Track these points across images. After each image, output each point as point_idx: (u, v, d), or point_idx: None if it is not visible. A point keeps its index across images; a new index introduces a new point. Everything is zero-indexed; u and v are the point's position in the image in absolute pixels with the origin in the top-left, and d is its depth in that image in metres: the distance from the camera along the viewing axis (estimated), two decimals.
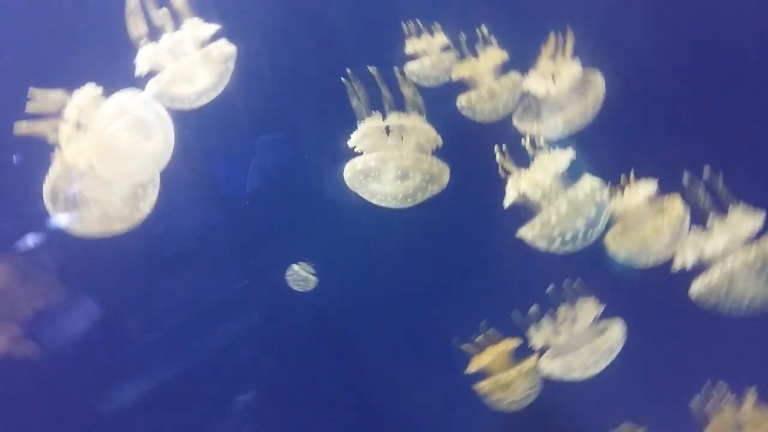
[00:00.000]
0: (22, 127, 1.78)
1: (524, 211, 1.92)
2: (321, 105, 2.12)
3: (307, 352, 2.25)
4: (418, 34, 2.03)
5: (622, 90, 2.01)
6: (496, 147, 1.91)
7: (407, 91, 1.97)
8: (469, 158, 2.01)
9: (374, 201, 1.99)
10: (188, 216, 2.18)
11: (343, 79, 1.94)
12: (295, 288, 2.18)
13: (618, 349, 2.03)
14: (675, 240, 1.98)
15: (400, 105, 1.96)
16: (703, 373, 2.17)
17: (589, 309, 2.04)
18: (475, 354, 2.12)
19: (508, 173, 1.91)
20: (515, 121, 2.07)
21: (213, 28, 1.87)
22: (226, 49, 1.88)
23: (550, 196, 1.88)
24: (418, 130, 1.94)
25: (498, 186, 1.91)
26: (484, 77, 2.03)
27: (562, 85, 1.99)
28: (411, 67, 2.03)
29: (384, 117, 1.92)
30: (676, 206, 1.99)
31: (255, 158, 2.14)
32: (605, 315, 2.05)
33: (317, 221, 2.19)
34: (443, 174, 1.98)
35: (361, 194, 1.98)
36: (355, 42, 2.07)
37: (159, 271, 2.19)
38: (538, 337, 2.05)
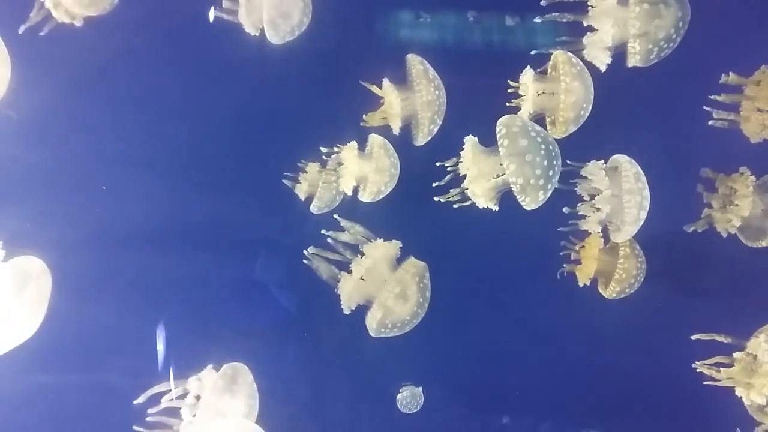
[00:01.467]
0: None
1: None
2: None
3: None
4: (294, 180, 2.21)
5: None
6: None
7: (348, 237, 2.11)
8: None
9: (407, 328, 2.11)
10: None
11: (305, 261, 2.10)
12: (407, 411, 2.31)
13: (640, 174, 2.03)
14: None
15: (354, 248, 2.11)
16: None
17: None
18: (576, 269, 2.17)
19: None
20: None
21: None
22: None
23: None
24: (382, 254, 2.07)
25: None
26: None
27: None
28: (315, 207, 2.21)
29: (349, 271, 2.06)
30: None
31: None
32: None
33: None
34: (418, 264, 2.10)
35: (392, 334, 2.11)
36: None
37: None
38: (589, 223, 2.07)
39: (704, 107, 2.18)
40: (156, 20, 2.25)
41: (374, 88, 2.20)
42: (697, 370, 2.05)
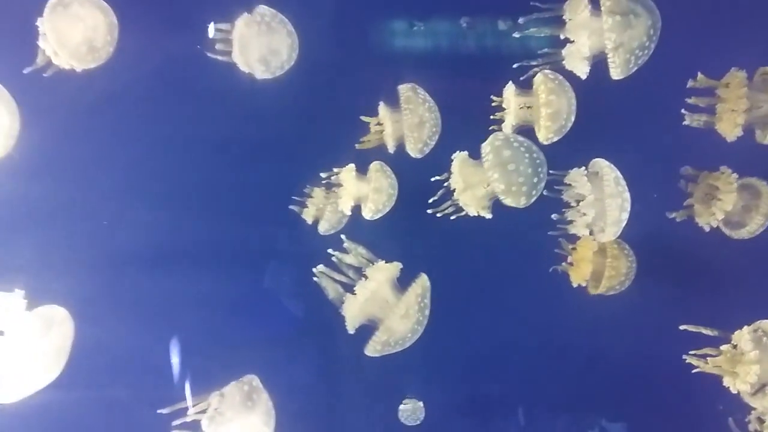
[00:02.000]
0: None
1: None
2: None
3: None
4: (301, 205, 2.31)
5: None
6: None
7: (352, 259, 2.21)
8: None
9: (407, 344, 2.19)
10: None
11: (315, 279, 2.19)
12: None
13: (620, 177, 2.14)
14: None
15: (357, 269, 2.20)
16: None
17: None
18: (570, 270, 2.27)
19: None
20: None
21: None
22: None
23: None
24: (385, 276, 2.16)
25: None
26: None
27: None
28: (322, 228, 2.31)
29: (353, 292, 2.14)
30: None
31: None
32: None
33: None
34: (425, 280, 2.19)
35: (394, 351, 2.20)
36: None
37: None
38: (577, 227, 2.18)
39: (682, 110, 2.26)
40: (154, 64, 2.33)
41: (372, 120, 2.31)
42: (687, 361, 2.13)
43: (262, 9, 2.28)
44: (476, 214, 2.15)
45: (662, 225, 2.32)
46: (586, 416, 2.43)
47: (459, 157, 2.16)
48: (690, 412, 2.38)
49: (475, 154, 2.18)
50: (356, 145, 2.33)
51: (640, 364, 2.41)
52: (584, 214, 2.19)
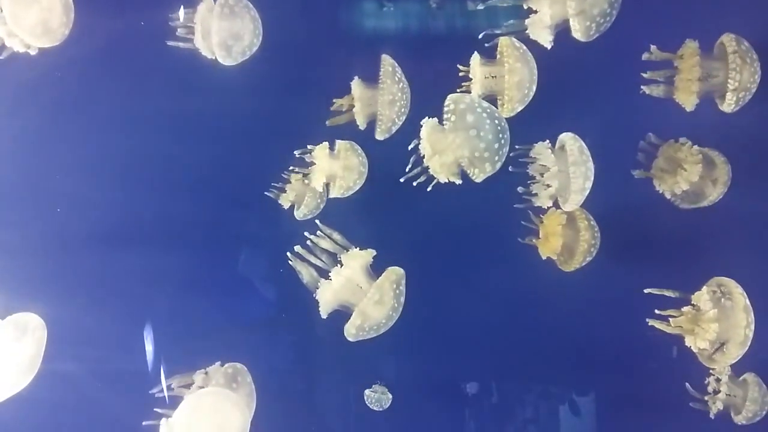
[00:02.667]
0: None
1: None
2: None
3: None
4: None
5: None
6: None
7: (326, 243, 2.21)
8: None
9: (382, 330, 2.20)
10: None
11: (290, 263, 2.18)
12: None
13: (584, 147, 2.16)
14: None
15: (333, 257, 2.20)
16: None
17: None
18: (539, 243, 2.31)
19: None
20: None
21: None
22: None
23: None
24: (359, 263, 2.17)
25: None
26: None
27: None
28: (300, 213, 2.34)
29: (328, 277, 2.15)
30: None
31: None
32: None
33: None
34: (398, 271, 2.19)
35: (369, 336, 2.20)
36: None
37: None
38: (541, 199, 2.22)
39: (641, 86, 2.28)
40: (112, 45, 2.34)
41: (344, 101, 2.31)
42: (650, 323, 2.18)
43: None
44: (446, 181, 2.13)
45: (623, 195, 2.39)
46: (557, 390, 2.51)
47: (428, 123, 2.12)
48: (656, 380, 2.45)
49: None
50: (327, 122, 2.35)
51: (606, 336, 2.48)
52: (548, 186, 2.22)
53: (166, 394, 2.19)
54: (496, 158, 2.11)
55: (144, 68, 2.37)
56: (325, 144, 2.32)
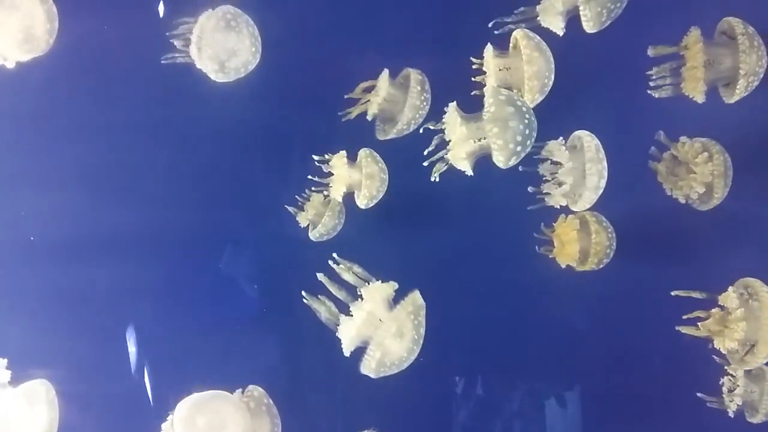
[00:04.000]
0: None
1: None
2: None
3: None
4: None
5: None
6: None
7: (348, 276, 2.10)
8: None
9: (405, 366, 2.09)
10: None
11: (305, 301, 2.10)
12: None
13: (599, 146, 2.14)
14: None
15: (351, 291, 2.08)
16: None
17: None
18: (554, 252, 2.25)
19: None
20: None
21: None
22: None
23: None
24: (380, 296, 2.05)
25: None
26: None
27: None
28: (317, 234, 2.29)
29: (348, 312, 2.04)
30: None
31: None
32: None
33: None
34: (417, 298, 2.09)
35: (391, 372, 2.08)
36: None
37: None
38: (554, 198, 2.15)
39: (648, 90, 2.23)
40: (98, 55, 2.31)
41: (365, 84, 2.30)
42: (681, 330, 2.12)
43: (226, 7, 2.22)
44: (462, 169, 2.07)
45: (636, 196, 2.33)
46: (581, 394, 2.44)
47: (452, 108, 2.07)
48: (680, 383, 2.40)
49: None
50: (344, 114, 2.31)
51: (629, 337, 2.43)
52: (561, 184, 2.15)
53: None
54: (521, 151, 2.05)
55: (135, 79, 2.34)
56: (343, 153, 2.26)
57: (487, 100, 2.02)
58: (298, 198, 2.28)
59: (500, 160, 2.01)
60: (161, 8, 2.29)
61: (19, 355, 2.20)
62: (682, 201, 2.28)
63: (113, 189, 2.37)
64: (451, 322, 2.26)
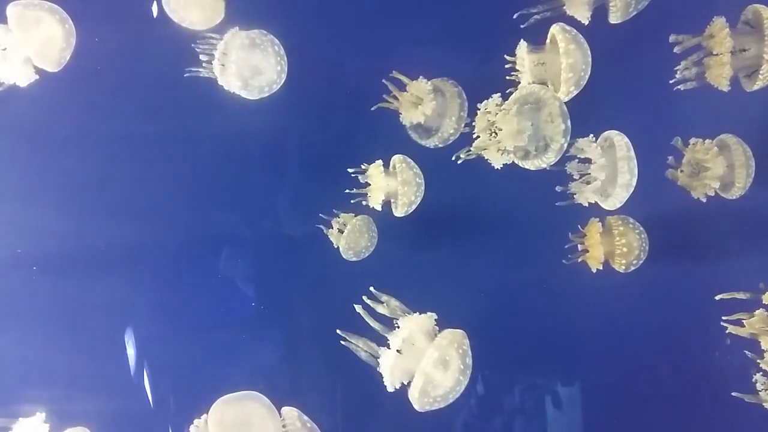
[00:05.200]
0: None
1: None
2: None
3: None
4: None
5: None
6: None
7: (383, 309, 2.02)
8: None
9: (450, 399, 1.99)
10: None
11: (343, 342, 2.03)
12: None
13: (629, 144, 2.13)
14: None
15: (388, 323, 2.01)
16: None
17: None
18: (584, 256, 2.23)
19: None
20: None
21: None
22: None
23: None
24: (417, 325, 1.97)
25: None
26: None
27: None
28: (350, 254, 2.28)
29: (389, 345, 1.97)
30: None
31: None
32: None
33: None
34: (459, 334, 2.02)
35: (438, 406, 1.98)
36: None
37: None
38: (585, 194, 2.12)
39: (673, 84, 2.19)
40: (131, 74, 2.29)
41: (403, 78, 2.26)
42: (727, 330, 2.08)
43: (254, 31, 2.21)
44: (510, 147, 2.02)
45: (664, 196, 2.26)
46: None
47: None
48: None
49: None
50: (373, 108, 2.27)
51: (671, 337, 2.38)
52: (591, 181, 2.12)
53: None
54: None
55: (134, 89, 2.31)
56: (379, 162, 2.26)
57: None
58: (324, 216, 2.28)
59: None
60: (154, 8, 2.24)
61: (18, 363, 2.26)
62: (704, 200, 2.24)
63: (113, 192, 2.36)
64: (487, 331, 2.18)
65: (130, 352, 2.27)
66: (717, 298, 2.09)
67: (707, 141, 2.23)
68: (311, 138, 2.41)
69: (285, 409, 2.12)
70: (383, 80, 2.22)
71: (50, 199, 2.34)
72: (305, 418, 2.14)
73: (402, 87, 2.24)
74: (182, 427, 2.16)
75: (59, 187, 2.34)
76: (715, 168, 2.20)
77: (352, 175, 2.25)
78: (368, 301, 2.01)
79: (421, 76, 2.24)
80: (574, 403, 2.38)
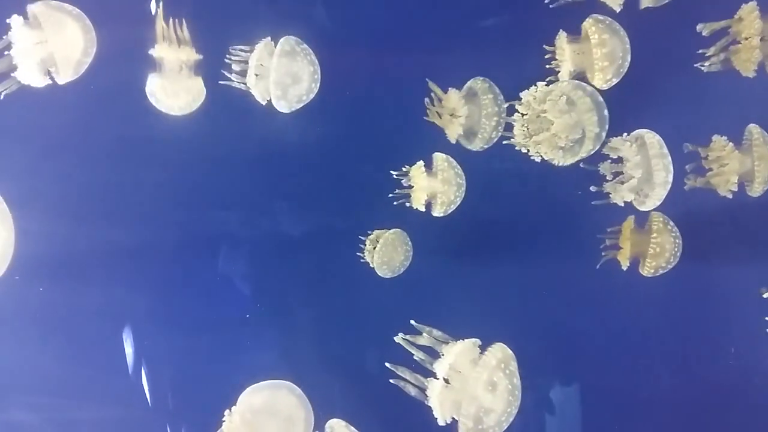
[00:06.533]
0: None
1: None
2: None
3: None
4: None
5: None
6: None
7: (425, 340, 1.97)
8: None
9: (507, 422, 1.92)
10: None
11: (392, 381, 1.96)
12: None
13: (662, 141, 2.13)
14: None
15: (433, 353, 1.97)
16: None
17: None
18: (617, 254, 2.20)
19: None
20: None
21: None
22: None
23: None
24: (461, 354, 1.91)
25: None
26: None
27: None
28: (385, 271, 2.24)
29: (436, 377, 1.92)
30: None
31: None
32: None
33: None
34: (504, 349, 1.96)
35: None
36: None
37: None
38: (622, 193, 2.11)
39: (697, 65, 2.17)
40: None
41: (437, 91, 2.25)
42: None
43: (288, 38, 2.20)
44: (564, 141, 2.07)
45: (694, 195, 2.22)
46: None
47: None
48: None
49: None
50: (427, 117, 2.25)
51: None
52: (627, 179, 2.11)
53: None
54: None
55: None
56: (420, 163, 2.26)
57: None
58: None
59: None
60: (152, 6, 2.18)
61: (17, 361, 2.23)
62: (730, 196, 2.20)
63: (112, 192, 2.31)
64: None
65: (128, 351, 2.25)
66: (765, 296, 2.12)
67: (723, 138, 2.20)
68: (327, 142, 2.35)
69: (332, 421, 2.10)
70: (425, 101, 2.21)
71: (48, 199, 2.27)
72: (353, 429, 2.10)
73: (436, 98, 2.24)
74: (180, 427, 2.20)
75: (57, 188, 2.26)
76: (733, 164, 2.18)
77: (395, 177, 2.24)
78: (406, 336, 1.97)
79: (450, 88, 2.24)
80: (611, 408, 2.32)
